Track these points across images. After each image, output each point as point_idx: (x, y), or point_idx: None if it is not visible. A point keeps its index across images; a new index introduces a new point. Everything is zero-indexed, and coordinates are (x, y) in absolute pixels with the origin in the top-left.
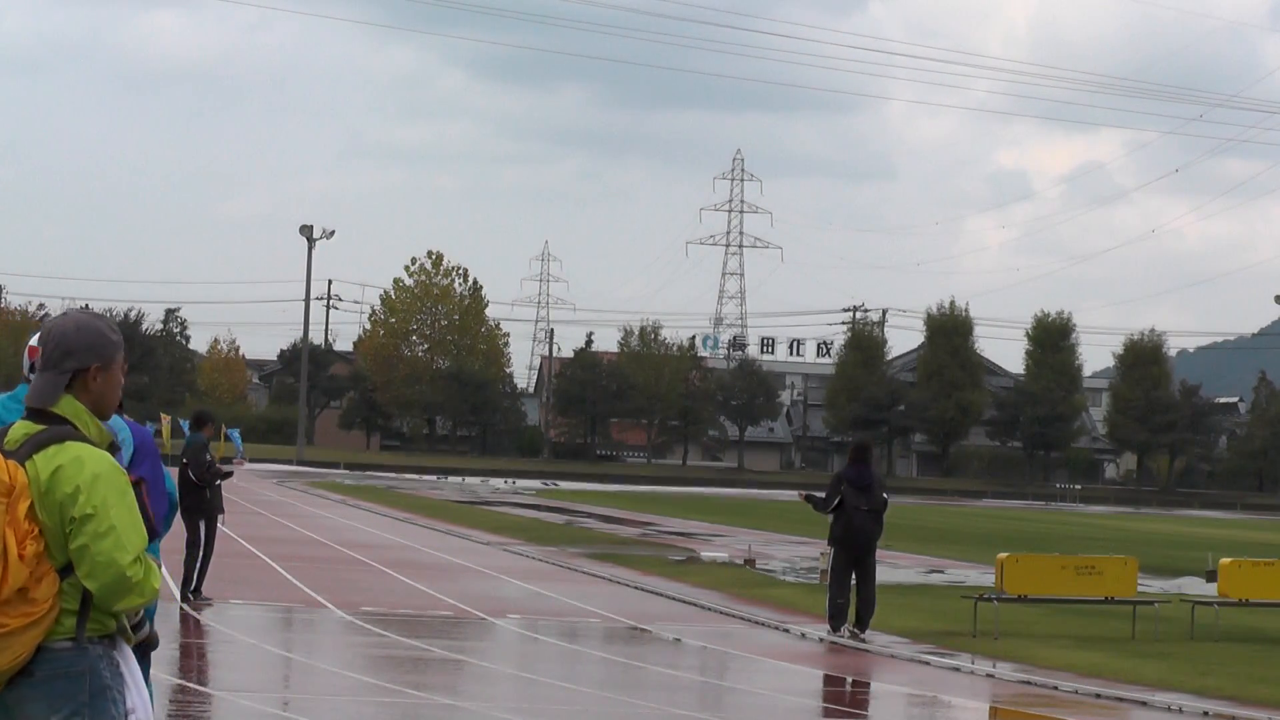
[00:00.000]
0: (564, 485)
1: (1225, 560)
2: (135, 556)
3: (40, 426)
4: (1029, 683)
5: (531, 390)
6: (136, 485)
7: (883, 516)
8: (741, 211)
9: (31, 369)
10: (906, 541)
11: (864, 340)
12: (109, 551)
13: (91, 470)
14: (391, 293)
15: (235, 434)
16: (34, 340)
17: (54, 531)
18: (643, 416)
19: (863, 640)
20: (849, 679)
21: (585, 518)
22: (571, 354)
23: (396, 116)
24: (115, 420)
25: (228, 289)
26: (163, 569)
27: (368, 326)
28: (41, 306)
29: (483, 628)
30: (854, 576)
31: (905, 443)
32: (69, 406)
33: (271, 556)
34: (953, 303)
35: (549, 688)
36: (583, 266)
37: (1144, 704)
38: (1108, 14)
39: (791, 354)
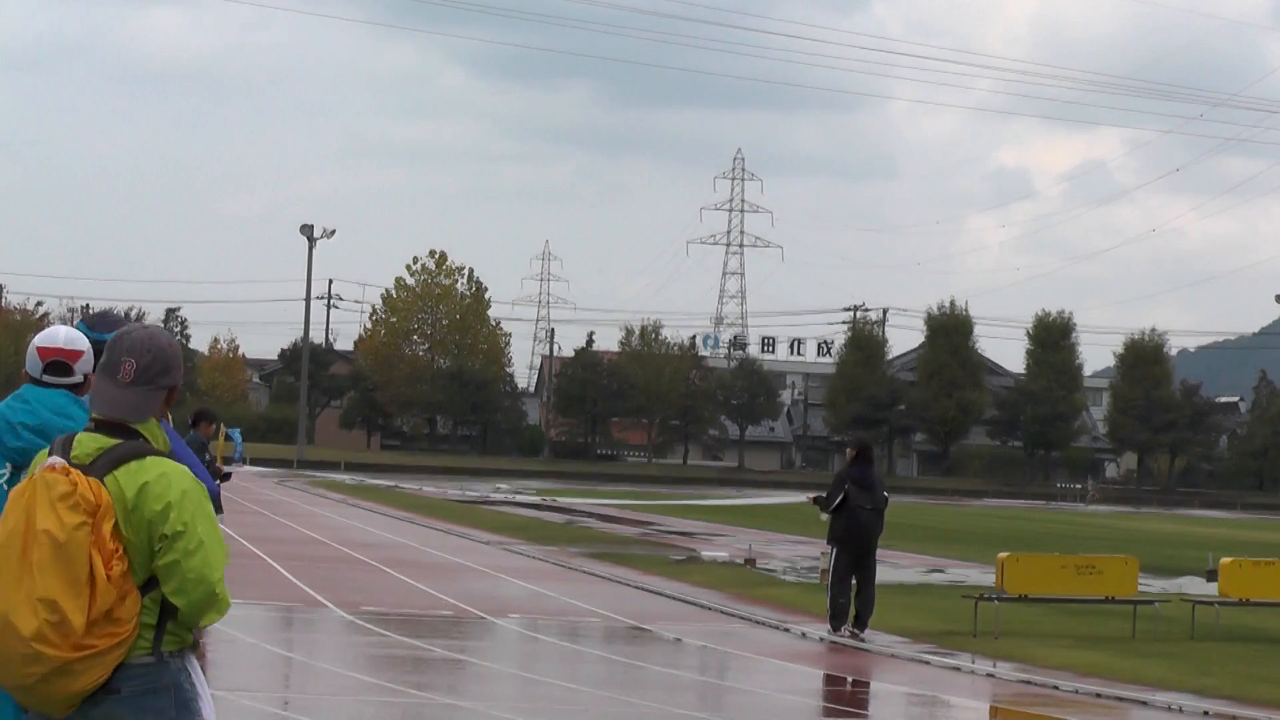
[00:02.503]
0: (564, 485)
1: (1225, 560)
2: (221, 573)
3: (113, 440)
4: (1029, 682)
5: (532, 390)
6: None
7: (884, 514)
8: (742, 211)
9: (46, 369)
10: (906, 541)
11: (864, 340)
12: (199, 568)
13: (180, 487)
14: (393, 292)
15: (236, 433)
16: (40, 340)
17: (139, 548)
18: (643, 416)
19: (862, 640)
20: (849, 679)
21: (585, 517)
22: (572, 353)
23: (397, 115)
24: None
25: (228, 289)
26: None
27: (368, 326)
28: (40, 305)
29: (483, 627)
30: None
31: (905, 442)
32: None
33: (271, 556)
34: (953, 302)
35: (549, 687)
36: (583, 266)
37: (1144, 704)
38: (1109, 13)
39: (792, 353)
